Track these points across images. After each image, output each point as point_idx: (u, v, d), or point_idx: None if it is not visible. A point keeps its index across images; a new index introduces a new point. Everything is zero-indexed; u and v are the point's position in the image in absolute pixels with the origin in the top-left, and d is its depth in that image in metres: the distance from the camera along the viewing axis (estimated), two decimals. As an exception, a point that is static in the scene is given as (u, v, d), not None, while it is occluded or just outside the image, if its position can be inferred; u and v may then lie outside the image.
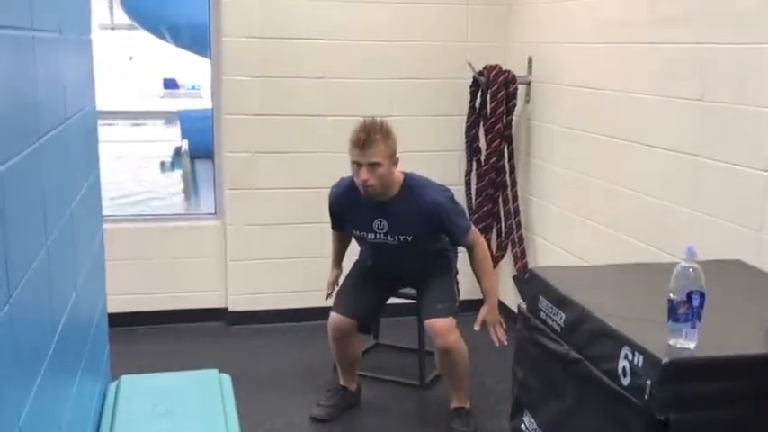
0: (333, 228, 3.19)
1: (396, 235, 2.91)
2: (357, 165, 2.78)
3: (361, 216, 2.93)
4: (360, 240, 3.07)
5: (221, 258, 4.09)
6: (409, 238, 2.92)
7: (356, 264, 3.19)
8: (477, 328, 2.92)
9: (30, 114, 1.36)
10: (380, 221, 2.91)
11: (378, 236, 2.94)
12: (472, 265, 2.97)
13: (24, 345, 1.24)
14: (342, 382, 3.16)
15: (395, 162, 2.85)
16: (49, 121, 1.53)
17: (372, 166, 2.76)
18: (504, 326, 2.94)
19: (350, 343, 3.10)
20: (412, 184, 2.90)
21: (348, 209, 2.98)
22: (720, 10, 2.53)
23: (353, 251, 3.24)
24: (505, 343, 2.87)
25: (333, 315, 3.05)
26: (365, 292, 3.09)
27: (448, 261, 3.10)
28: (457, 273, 3.14)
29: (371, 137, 2.75)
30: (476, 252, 2.94)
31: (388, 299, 3.21)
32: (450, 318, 2.93)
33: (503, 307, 4.26)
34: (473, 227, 3.05)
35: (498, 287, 4.30)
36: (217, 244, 4.08)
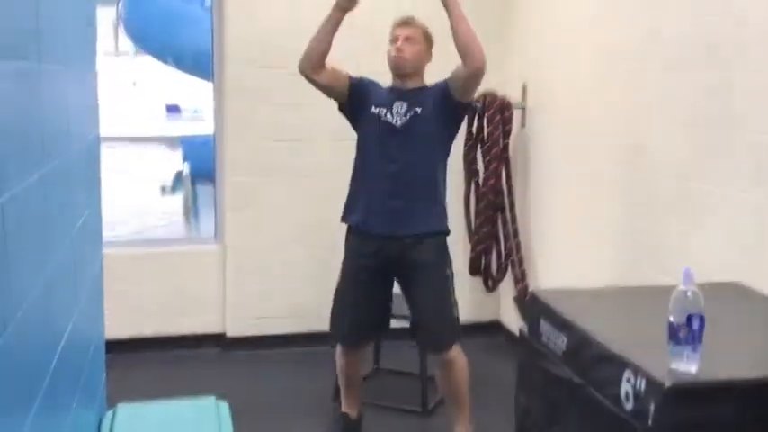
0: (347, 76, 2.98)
1: (409, 112, 2.86)
2: (395, 39, 2.89)
3: (384, 98, 2.93)
4: (370, 126, 2.90)
5: (220, 283, 4.08)
6: (418, 110, 2.85)
7: (345, 272, 3.00)
8: None
9: (35, 144, 1.37)
10: (402, 104, 2.89)
11: (395, 119, 2.87)
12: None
13: (21, 373, 1.24)
14: (344, 409, 3.14)
15: (429, 56, 2.94)
16: (54, 151, 1.55)
17: (409, 40, 2.87)
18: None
19: (356, 367, 3.09)
20: (434, 84, 2.94)
21: (377, 90, 2.98)
22: (711, 38, 2.56)
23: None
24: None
25: (340, 348, 3.03)
26: (365, 307, 2.95)
27: (441, 220, 2.94)
28: (453, 277, 2.97)
29: (411, 18, 2.93)
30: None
31: (389, 294, 3.03)
32: (458, 342, 2.91)
33: (504, 330, 4.26)
34: None
35: (499, 309, 4.31)
36: (216, 268, 4.08)
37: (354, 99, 2.94)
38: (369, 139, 2.93)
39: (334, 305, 3.04)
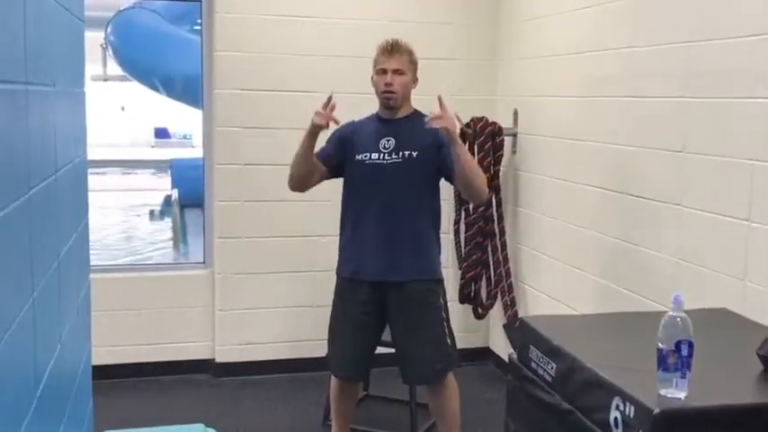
0: (320, 157, 2.92)
1: (401, 151, 2.83)
2: (383, 71, 2.85)
3: (370, 137, 2.88)
4: (356, 172, 2.87)
5: (209, 308, 4.06)
6: (414, 154, 2.82)
7: (338, 307, 2.96)
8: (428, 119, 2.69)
9: (21, 166, 1.36)
10: (388, 140, 2.86)
11: (382, 156, 2.83)
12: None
13: (6, 400, 1.22)
14: None
15: (415, 81, 2.92)
16: (40, 173, 1.54)
17: (397, 72, 2.84)
18: (447, 121, 2.66)
19: (351, 399, 3.08)
20: (422, 112, 2.87)
21: (359, 131, 2.92)
22: (698, 65, 2.59)
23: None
24: (433, 125, 2.65)
25: (335, 381, 3.01)
26: (360, 341, 2.94)
27: (434, 256, 2.91)
28: (447, 310, 2.95)
29: (399, 45, 2.87)
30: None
31: (379, 339, 3.02)
32: (451, 372, 2.91)
33: (494, 356, 4.25)
34: None
35: (489, 335, 4.30)
36: (205, 293, 4.05)
37: (339, 166, 2.93)
38: (356, 185, 2.90)
39: (330, 339, 3.02)
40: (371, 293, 2.87)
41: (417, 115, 2.91)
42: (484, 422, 3.44)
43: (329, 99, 2.79)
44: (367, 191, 2.87)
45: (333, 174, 2.96)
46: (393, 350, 3.07)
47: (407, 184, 2.84)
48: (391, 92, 2.84)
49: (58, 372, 1.72)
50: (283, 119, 3.96)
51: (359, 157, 2.88)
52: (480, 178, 2.82)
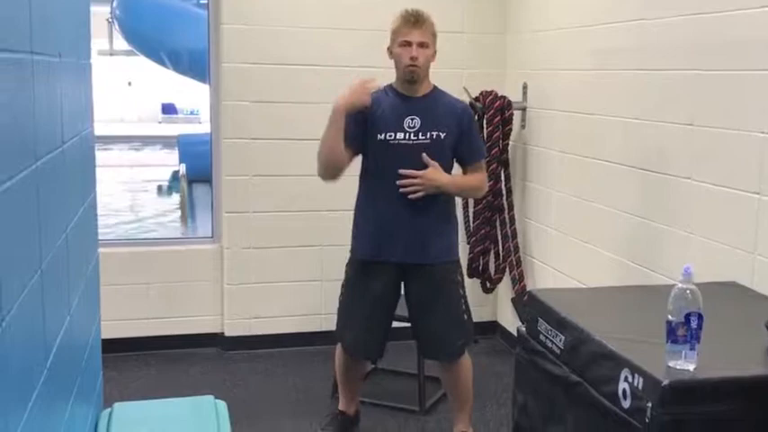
0: (346, 144, 2.75)
1: (428, 131, 2.73)
2: (407, 44, 2.70)
3: (392, 114, 2.74)
4: (379, 152, 2.74)
5: (218, 283, 4.07)
6: (442, 135, 2.74)
7: (355, 289, 2.88)
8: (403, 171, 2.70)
9: (27, 137, 1.36)
10: (413, 118, 2.74)
11: (407, 135, 2.72)
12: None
13: (16, 371, 1.23)
14: (341, 407, 3.12)
15: (434, 54, 2.78)
16: (47, 144, 1.53)
17: (422, 45, 2.70)
18: (424, 188, 2.70)
19: (360, 371, 3.08)
20: (441, 89, 2.84)
21: (379, 107, 2.75)
22: (707, 38, 2.56)
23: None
24: (411, 194, 2.69)
25: (342, 354, 2.95)
26: (378, 323, 2.86)
27: (452, 242, 2.87)
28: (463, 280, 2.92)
29: (423, 16, 2.72)
30: (480, 178, 2.88)
31: (393, 316, 2.97)
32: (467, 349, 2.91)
33: (501, 330, 4.26)
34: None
35: (496, 309, 4.31)
36: (213, 268, 4.07)
37: (362, 143, 2.78)
38: (378, 165, 2.77)
39: (343, 317, 2.93)
40: (392, 275, 2.83)
41: (439, 93, 2.83)
42: (492, 395, 3.46)
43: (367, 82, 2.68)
44: (391, 171, 2.73)
45: (358, 154, 2.81)
46: (407, 324, 3.03)
47: (436, 161, 2.76)
48: (416, 65, 2.70)
49: (68, 344, 1.73)
50: (291, 92, 3.94)
51: (381, 136, 2.75)
52: (473, 189, 2.95)
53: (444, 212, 2.85)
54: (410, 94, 2.79)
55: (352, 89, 2.69)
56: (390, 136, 2.74)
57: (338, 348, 3.01)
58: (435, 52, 2.80)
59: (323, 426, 3.09)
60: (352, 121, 2.74)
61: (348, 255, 2.94)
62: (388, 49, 2.79)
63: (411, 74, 2.73)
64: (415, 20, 2.71)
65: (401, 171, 2.71)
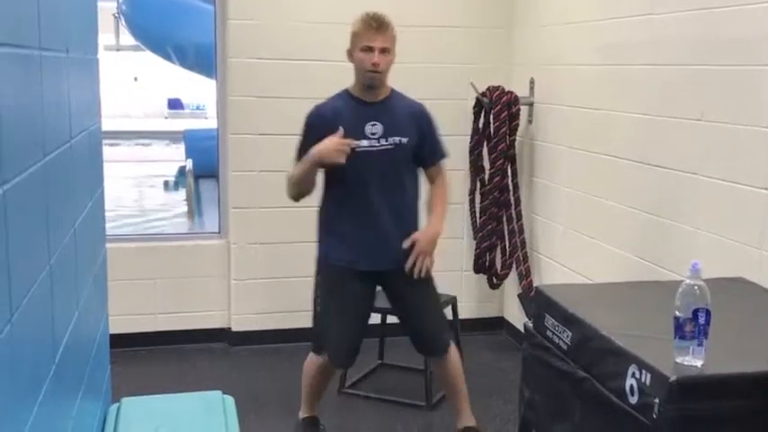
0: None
1: (390, 137, 2.72)
2: (368, 49, 2.67)
3: (353, 122, 2.70)
4: (346, 161, 2.67)
5: (225, 278, 4.08)
6: (404, 140, 2.74)
7: (333, 297, 2.84)
8: (406, 245, 2.72)
9: (35, 132, 1.36)
10: (374, 124, 2.71)
11: (371, 142, 2.71)
12: (432, 197, 2.86)
13: (25, 366, 1.23)
14: (307, 413, 3.06)
15: (393, 60, 2.75)
16: (55, 140, 1.54)
17: (384, 51, 2.68)
18: (433, 261, 2.77)
19: (332, 377, 3.11)
20: (398, 92, 2.84)
21: (340, 117, 2.72)
22: (717, 32, 2.54)
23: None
24: (422, 275, 2.73)
25: (322, 362, 2.91)
26: (359, 329, 2.86)
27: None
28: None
29: (385, 21, 2.70)
30: (441, 181, 2.86)
31: (369, 317, 2.99)
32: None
33: (508, 326, 4.26)
34: None
35: (503, 305, 4.31)
36: (220, 263, 4.07)
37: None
38: (344, 174, 2.72)
39: (324, 328, 2.88)
40: (371, 281, 2.83)
41: (396, 96, 2.82)
42: (498, 391, 3.46)
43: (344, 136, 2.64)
44: (358, 179, 2.72)
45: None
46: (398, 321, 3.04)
47: (399, 171, 2.77)
48: (378, 71, 2.68)
49: (76, 339, 1.74)
50: (298, 87, 3.93)
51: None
52: (446, 203, 2.90)
53: (414, 216, 2.86)
54: (369, 100, 2.76)
55: (330, 148, 2.65)
56: (355, 145, 2.69)
57: (313, 358, 2.95)
58: (395, 57, 2.76)
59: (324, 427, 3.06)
60: (314, 139, 2.71)
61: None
62: (349, 51, 2.76)
63: (372, 80, 2.71)
64: (378, 25, 2.68)
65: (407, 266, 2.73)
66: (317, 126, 2.75)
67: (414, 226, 2.83)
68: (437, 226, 2.81)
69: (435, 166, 2.87)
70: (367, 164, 2.71)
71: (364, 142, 2.71)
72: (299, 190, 2.80)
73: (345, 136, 2.67)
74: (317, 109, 2.81)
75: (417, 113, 2.82)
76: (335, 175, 2.75)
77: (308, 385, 3.01)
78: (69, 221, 1.72)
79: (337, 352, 2.89)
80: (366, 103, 2.76)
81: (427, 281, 2.84)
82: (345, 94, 2.81)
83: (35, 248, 1.35)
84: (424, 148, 2.82)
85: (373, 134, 2.73)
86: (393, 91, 2.83)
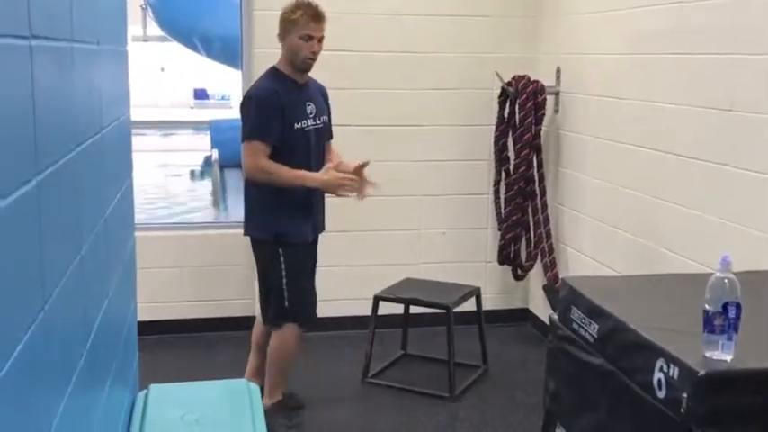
0: (268, 142, 2.91)
1: (319, 116, 3.02)
2: (309, 37, 2.90)
3: (297, 103, 2.97)
4: (297, 139, 2.95)
5: (250, 267, 4.10)
6: (326, 119, 3.07)
7: (302, 269, 3.11)
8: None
9: (68, 124, 1.38)
10: (308, 104, 2.99)
11: (309, 122, 2.98)
12: (331, 153, 3.16)
13: (58, 352, 1.26)
14: (284, 390, 3.15)
15: None
16: (86, 130, 1.56)
17: (321, 40, 2.94)
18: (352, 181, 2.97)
19: None
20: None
21: (287, 96, 2.95)
22: (748, 21, 2.49)
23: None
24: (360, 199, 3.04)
25: (298, 331, 3.10)
26: (314, 287, 3.19)
27: None
28: None
29: (323, 12, 2.93)
30: (330, 148, 3.18)
31: None
32: None
33: (532, 317, 4.24)
34: None
35: (528, 296, 4.29)
36: (246, 253, 4.09)
37: (283, 117, 2.94)
38: (296, 152, 2.95)
39: (299, 296, 3.08)
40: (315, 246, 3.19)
41: (311, 79, 3.07)
42: (522, 383, 3.45)
43: (363, 165, 2.97)
44: (306, 156, 2.97)
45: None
46: (432, 310, 3.21)
47: (323, 147, 3.08)
48: (314, 59, 2.94)
49: (106, 326, 1.77)
50: (322, 78, 3.93)
51: (298, 125, 2.95)
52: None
53: None
54: (302, 82, 3.01)
55: (336, 184, 2.94)
56: (304, 124, 2.96)
57: (291, 331, 3.07)
58: None
59: (290, 424, 3.07)
60: (276, 117, 2.90)
61: (270, 241, 3.05)
62: (280, 35, 2.96)
63: (309, 66, 2.96)
64: (318, 16, 2.91)
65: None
66: (272, 102, 2.91)
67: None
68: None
69: (329, 141, 3.15)
70: (312, 142, 2.99)
71: (309, 121, 2.98)
72: (273, 186, 2.97)
73: (298, 117, 2.93)
74: (265, 89, 2.96)
75: (325, 94, 3.14)
76: (285, 154, 2.93)
77: (288, 362, 3.14)
78: (100, 210, 1.74)
79: (314, 314, 3.16)
80: (300, 84, 3.00)
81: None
82: (280, 75, 3.01)
83: (67, 237, 1.37)
84: (329, 126, 3.14)
85: (310, 114, 2.99)
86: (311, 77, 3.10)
